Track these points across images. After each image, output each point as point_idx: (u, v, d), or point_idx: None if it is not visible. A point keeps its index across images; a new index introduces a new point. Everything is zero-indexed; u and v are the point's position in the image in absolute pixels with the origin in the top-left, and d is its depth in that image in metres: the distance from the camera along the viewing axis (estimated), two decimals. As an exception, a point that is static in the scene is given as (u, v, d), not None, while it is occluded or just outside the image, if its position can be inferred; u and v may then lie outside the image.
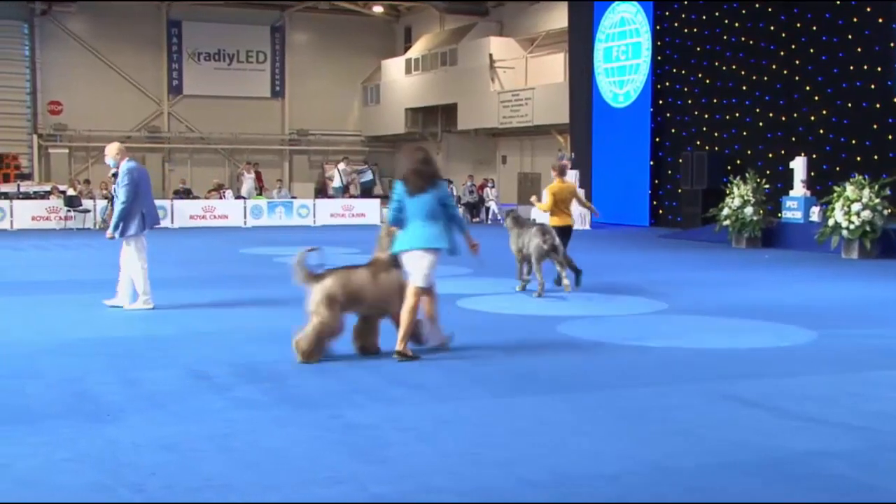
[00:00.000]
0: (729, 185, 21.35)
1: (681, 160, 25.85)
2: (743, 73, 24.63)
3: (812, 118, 22.73)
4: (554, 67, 36.20)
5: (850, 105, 21.71)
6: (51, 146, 41.66)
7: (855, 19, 21.57)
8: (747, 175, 21.18)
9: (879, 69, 20.96)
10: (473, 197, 32.33)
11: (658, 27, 27.41)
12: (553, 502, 4.82)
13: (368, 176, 35.19)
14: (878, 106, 21.04)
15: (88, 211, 26.98)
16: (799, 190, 20.82)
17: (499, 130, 38.94)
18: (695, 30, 26.27)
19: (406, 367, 7.93)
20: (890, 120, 20.89)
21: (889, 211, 18.32)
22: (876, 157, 20.84)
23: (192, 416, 6.36)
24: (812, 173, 21.11)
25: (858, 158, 21.17)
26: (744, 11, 24.49)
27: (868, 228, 17.89)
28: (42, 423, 6.13)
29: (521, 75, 38.00)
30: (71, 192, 28.40)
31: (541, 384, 7.45)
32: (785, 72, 23.43)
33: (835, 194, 18.44)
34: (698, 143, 25.98)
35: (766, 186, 21.25)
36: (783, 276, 15.42)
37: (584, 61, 30.34)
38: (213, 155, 44.75)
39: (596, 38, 29.74)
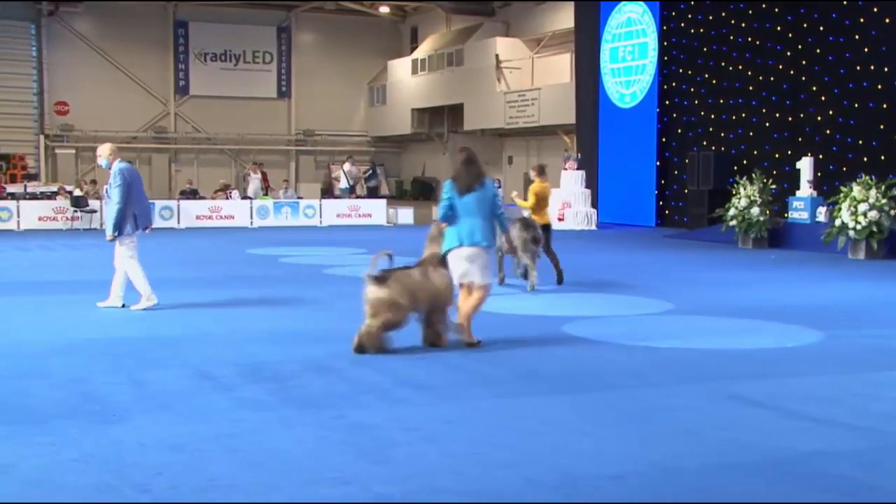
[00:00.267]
0: (735, 185, 21.31)
1: (687, 160, 25.82)
2: (749, 73, 24.59)
3: (818, 118, 22.68)
4: (560, 68, 36.20)
5: (856, 105, 21.66)
6: (57, 146, 41.78)
7: (861, 19, 21.51)
8: (754, 175, 21.14)
9: (886, 69, 20.90)
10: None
11: (664, 27, 27.37)
12: (558, 502, 4.82)
13: (373, 182, 35.23)
14: (884, 106, 20.98)
15: (95, 211, 26.99)
16: (805, 190, 20.78)
17: (505, 131, 38.95)
18: (701, 30, 26.23)
19: (411, 368, 7.94)
20: (897, 120, 20.85)
21: (896, 211, 18.29)
22: (883, 157, 20.78)
23: (197, 416, 6.37)
24: (819, 173, 21.06)
25: (865, 159, 21.13)
26: (750, 12, 24.45)
27: (875, 229, 17.85)
28: (48, 424, 6.14)
29: (527, 76, 38.01)
30: (77, 192, 28.43)
31: (546, 384, 7.45)
32: (791, 72, 23.38)
33: (841, 195, 18.40)
34: (705, 143, 25.95)
35: (773, 187, 21.22)
36: (789, 276, 15.40)
37: (590, 62, 30.30)
38: (219, 155, 44.83)
39: (602, 38, 29.71)
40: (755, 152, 24.35)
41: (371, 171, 36.03)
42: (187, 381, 7.40)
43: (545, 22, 37.96)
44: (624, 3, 28.88)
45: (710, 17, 25.85)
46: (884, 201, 17.96)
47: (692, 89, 26.61)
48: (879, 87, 21.08)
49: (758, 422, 6.34)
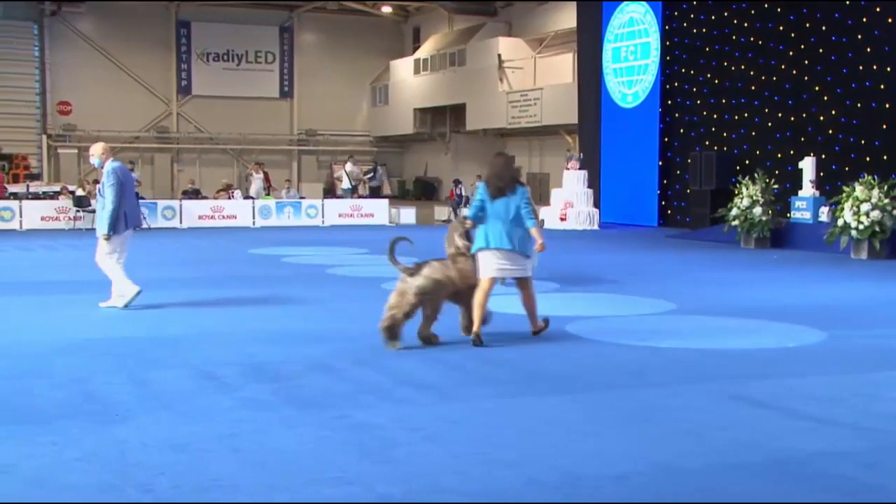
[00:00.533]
0: (737, 185, 21.30)
1: (689, 160, 25.81)
2: (752, 73, 24.58)
3: (821, 118, 22.67)
4: (562, 68, 36.22)
5: (859, 105, 21.65)
6: (60, 146, 41.82)
7: (864, 19, 21.50)
8: (756, 175, 21.13)
9: (889, 69, 20.89)
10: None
11: (667, 27, 27.37)
12: (561, 502, 4.82)
13: (375, 182, 35.28)
14: (887, 106, 20.97)
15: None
16: (808, 190, 20.76)
17: (507, 131, 38.97)
18: (704, 30, 26.23)
19: (412, 368, 7.93)
20: (899, 120, 20.84)
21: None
22: (885, 157, 20.76)
23: (199, 416, 6.37)
24: (821, 173, 21.05)
25: (868, 158, 21.11)
26: (753, 11, 24.44)
27: (877, 229, 17.84)
28: (50, 423, 6.14)
29: (529, 75, 38.03)
30: (80, 192, 28.44)
31: (547, 384, 7.44)
32: (794, 72, 23.37)
33: (844, 194, 18.39)
34: (707, 143, 25.94)
35: (775, 186, 21.21)
36: (792, 276, 15.39)
37: (592, 61, 30.30)
38: (221, 155, 44.87)
39: (605, 38, 29.70)
40: (757, 152, 24.34)
41: (373, 171, 36.07)
42: (189, 381, 7.40)
43: (547, 22, 37.97)
44: (626, 2, 28.88)
45: (713, 17, 25.85)
46: (886, 201, 17.94)
47: (694, 89, 26.61)
48: (882, 86, 21.06)
49: (759, 422, 6.34)
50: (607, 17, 29.69)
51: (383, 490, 4.92)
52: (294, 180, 41.48)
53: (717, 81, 25.76)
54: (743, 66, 24.83)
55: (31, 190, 31.95)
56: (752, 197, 20.65)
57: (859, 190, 18.11)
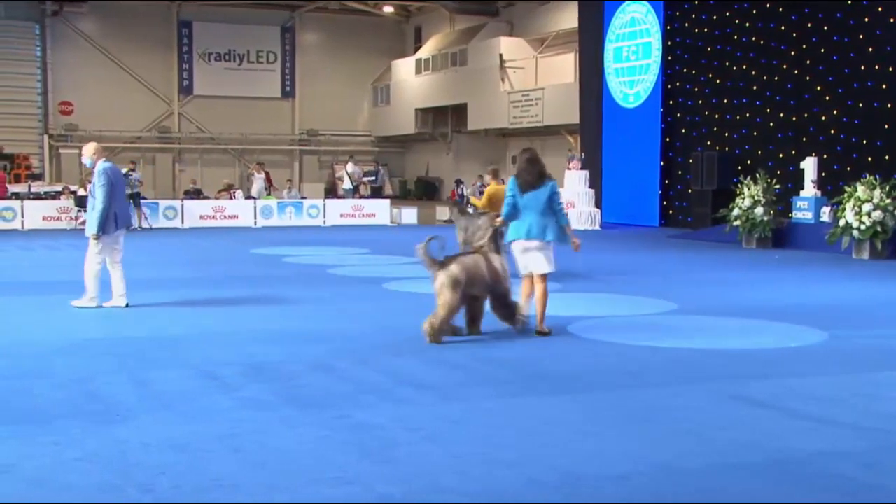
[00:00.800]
0: (739, 185, 21.30)
1: (691, 160, 25.80)
2: (753, 73, 24.57)
3: (823, 118, 22.66)
4: (564, 68, 36.21)
5: (860, 105, 21.64)
6: (61, 146, 41.84)
7: (866, 19, 21.49)
8: (758, 175, 21.13)
9: (891, 69, 20.88)
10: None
11: (668, 27, 27.36)
12: (561, 502, 4.82)
13: (378, 183, 35.31)
14: (889, 106, 20.96)
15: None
16: (809, 190, 20.76)
17: (509, 130, 38.96)
18: (705, 30, 26.22)
19: (413, 368, 7.94)
20: (901, 120, 20.82)
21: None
22: (887, 157, 20.75)
23: (200, 416, 6.37)
24: (823, 173, 21.04)
25: (870, 158, 21.09)
26: (754, 11, 24.43)
27: (879, 229, 17.83)
28: (51, 423, 6.15)
29: (531, 75, 38.02)
30: (82, 192, 28.43)
31: (548, 384, 7.44)
32: (796, 72, 23.36)
33: (845, 195, 18.38)
34: (709, 143, 25.93)
35: (777, 187, 21.20)
36: (793, 276, 15.38)
37: (594, 61, 30.30)
38: (223, 155, 44.89)
39: (606, 38, 29.70)
40: (759, 152, 24.33)
41: (374, 173, 36.08)
42: (190, 381, 7.40)
43: (549, 22, 37.97)
44: (628, 2, 28.87)
45: (714, 17, 25.84)
46: (888, 201, 17.93)
47: (696, 89, 26.60)
48: (884, 86, 21.05)
49: (760, 422, 6.34)
50: (609, 17, 29.69)
51: (383, 490, 4.93)
52: (295, 180, 41.51)
53: (718, 81, 25.75)
54: (745, 66, 24.82)
55: (33, 190, 31.99)
56: (753, 197, 20.65)
57: (861, 190, 18.10)
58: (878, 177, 18.49)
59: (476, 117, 39.63)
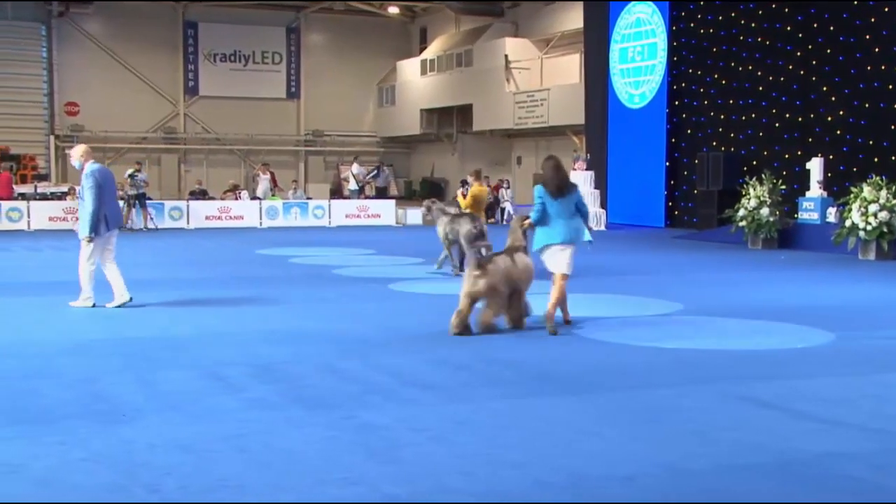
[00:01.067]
0: (745, 185, 21.27)
1: (696, 161, 25.76)
2: (759, 73, 24.52)
3: (829, 119, 22.61)
4: (569, 68, 36.17)
5: (867, 105, 21.59)
6: (67, 147, 41.76)
7: (872, 19, 21.44)
8: (763, 176, 21.10)
9: (897, 69, 20.85)
10: (489, 198, 32.17)
11: (674, 28, 27.32)
12: (567, 503, 4.81)
13: (381, 182, 35.28)
14: (895, 106, 20.91)
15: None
16: (815, 191, 20.73)
17: (514, 131, 38.92)
18: (711, 30, 26.18)
19: (419, 368, 7.94)
20: (907, 120, 20.77)
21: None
22: (893, 157, 20.69)
23: (206, 416, 6.37)
24: (829, 174, 21.00)
25: (876, 159, 21.04)
26: (760, 12, 24.39)
27: (885, 230, 17.79)
28: (58, 423, 6.15)
29: (536, 76, 37.98)
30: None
31: (554, 385, 7.44)
32: (801, 72, 23.32)
33: (852, 195, 18.34)
34: (714, 143, 25.89)
35: (783, 187, 21.16)
36: (799, 277, 15.36)
37: (599, 62, 30.27)
38: (228, 156, 44.90)
39: (611, 38, 29.67)
40: (765, 153, 24.29)
41: (375, 171, 36.07)
42: (196, 382, 7.41)
43: (554, 22, 37.92)
44: (633, 3, 28.85)
45: (720, 18, 25.80)
46: (894, 202, 17.89)
47: (702, 90, 26.56)
48: (890, 87, 21.00)
49: (767, 423, 6.32)
50: (614, 18, 29.66)
51: (389, 490, 4.93)
52: (301, 181, 41.52)
53: (724, 82, 25.71)
54: (750, 67, 24.78)
55: (39, 190, 32.05)
56: (759, 198, 20.62)
57: (867, 191, 18.07)
58: (884, 177, 18.44)
59: (481, 118, 39.60)
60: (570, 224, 9.85)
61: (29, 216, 26.40)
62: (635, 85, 28.72)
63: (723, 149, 25.45)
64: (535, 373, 7.85)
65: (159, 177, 42.59)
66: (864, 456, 5.58)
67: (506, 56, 38.02)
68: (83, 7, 41.25)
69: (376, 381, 7.43)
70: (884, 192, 17.94)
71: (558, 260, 9.81)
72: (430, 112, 43.21)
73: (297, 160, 46.28)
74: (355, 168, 34.23)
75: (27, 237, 23.87)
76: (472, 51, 40.01)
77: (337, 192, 41.33)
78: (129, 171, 27.31)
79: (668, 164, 27.53)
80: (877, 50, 21.34)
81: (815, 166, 20.81)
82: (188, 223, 27.67)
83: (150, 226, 26.38)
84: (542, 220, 9.87)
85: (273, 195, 32.10)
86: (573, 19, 35.08)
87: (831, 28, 22.48)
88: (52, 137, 41.39)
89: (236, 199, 31.46)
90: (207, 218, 28.18)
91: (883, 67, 21.17)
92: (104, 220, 11.24)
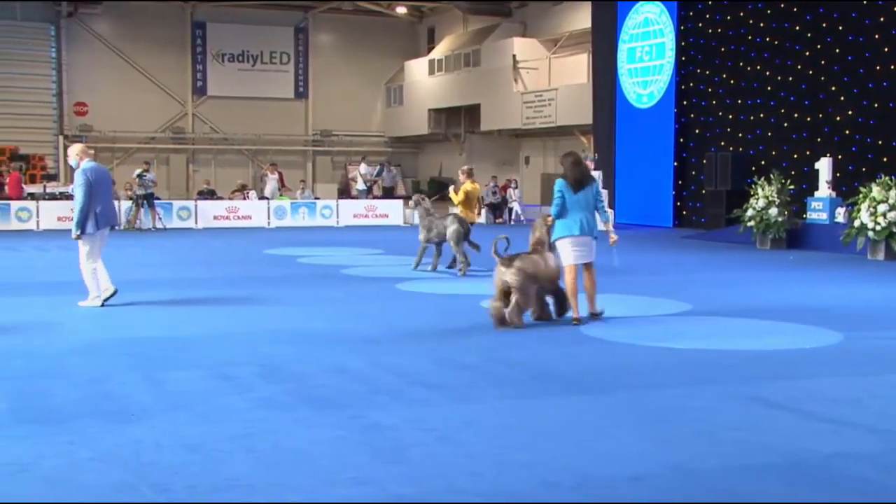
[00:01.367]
0: (753, 185, 21.23)
1: (705, 161, 25.73)
2: (768, 73, 24.48)
3: (837, 119, 22.56)
4: (577, 68, 36.14)
5: (876, 105, 21.54)
6: (76, 147, 41.91)
7: (882, 18, 21.39)
8: (772, 176, 21.05)
9: (906, 69, 20.80)
10: (497, 198, 32.20)
11: (682, 27, 27.29)
12: (575, 503, 4.82)
13: (388, 183, 35.31)
14: (904, 106, 20.88)
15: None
16: (824, 191, 20.67)
17: (522, 131, 38.90)
18: (719, 30, 26.14)
19: (426, 368, 7.94)
20: (917, 120, 20.72)
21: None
22: (902, 157, 20.67)
23: (215, 416, 6.38)
24: (837, 174, 20.94)
25: (885, 159, 20.99)
26: (769, 11, 24.35)
27: (894, 230, 17.73)
28: (67, 423, 6.17)
29: (544, 76, 37.95)
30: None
31: (562, 385, 7.43)
32: (810, 72, 23.27)
33: (861, 195, 18.29)
34: (722, 143, 25.86)
35: (791, 187, 21.11)
36: (808, 277, 15.32)
37: (607, 62, 30.25)
38: (236, 156, 44.95)
39: (619, 38, 29.65)
40: (773, 153, 24.25)
41: (379, 170, 36.09)
42: (205, 381, 7.42)
43: (562, 22, 37.89)
44: (641, 3, 28.81)
45: (728, 17, 25.76)
46: (903, 202, 17.84)
47: (710, 89, 26.53)
48: (899, 86, 20.96)
49: (775, 423, 6.31)
50: (622, 18, 29.63)
51: (397, 490, 4.93)
52: (309, 181, 41.53)
53: (732, 82, 25.67)
54: (759, 67, 24.74)
55: (48, 190, 32.12)
56: (767, 198, 20.57)
57: (876, 191, 18.01)
58: (893, 177, 18.38)
59: (489, 118, 39.59)
60: (591, 216, 10.28)
61: (38, 216, 26.48)
62: (643, 85, 28.69)
63: (731, 148, 25.41)
64: (542, 373, 7.84)
65: (167, 177, 42.66)
66: (873, 456, 5.57)
67: (514, 56, 37.99)
68: (92, 7, 41.35)
69: (384, 381, 7.44)
70: (893, 192, 17.88)
71: (582, 252, 10.25)
72: (438, 112, 43.20)
73: (305, 160, 46.31)
74: (363, 168, 34.25)
75: (36, 237, 23.94)
76: (480, 51, 40.00)
77: (345, 192, 41.34)
78: (138, 171, 27.39)
79: (676, 163, 27.50)
80: (886, 49, 21.28)
81: (824, 166, 20.76)
82: (196, 223, 27.72)
83: (159, 226, 26.44)
84: (562, 213, 10.24)
85: (281, 195, 32.14)
86: (581, 19, 35.05)
87: (840, 27, 22.43)
88: (60, 137, 41.46)
89: (244, 199, 31.51)
90: (216, 218, 28.23)
91: (892, 67, 21.11)
92: (94, 218, 11.27)
